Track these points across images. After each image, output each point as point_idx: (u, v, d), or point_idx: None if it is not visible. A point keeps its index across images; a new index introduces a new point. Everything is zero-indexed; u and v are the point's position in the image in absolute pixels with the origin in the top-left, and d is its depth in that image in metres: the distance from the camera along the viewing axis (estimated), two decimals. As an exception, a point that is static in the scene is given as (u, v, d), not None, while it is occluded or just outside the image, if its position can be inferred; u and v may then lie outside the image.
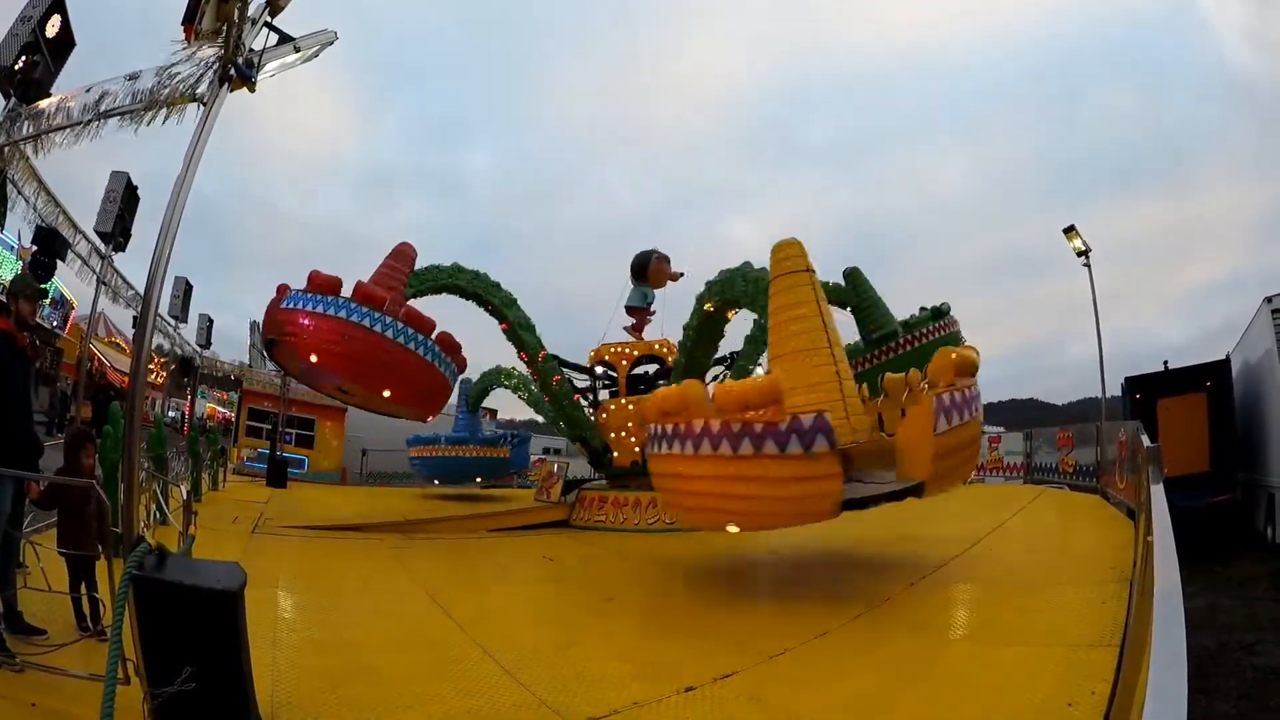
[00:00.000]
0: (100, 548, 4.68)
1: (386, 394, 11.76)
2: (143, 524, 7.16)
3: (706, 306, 12.67)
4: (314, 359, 10.93)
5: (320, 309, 10.53)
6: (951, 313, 16.33)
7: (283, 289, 11.14)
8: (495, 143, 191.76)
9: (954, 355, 7.17)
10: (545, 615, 6.69)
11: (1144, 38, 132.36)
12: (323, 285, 10.76)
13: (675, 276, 16.94)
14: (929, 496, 6.67)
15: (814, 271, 8.40)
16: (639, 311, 16.89)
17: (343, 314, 10.49)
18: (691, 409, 6.26)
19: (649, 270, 16.72)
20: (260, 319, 14.98)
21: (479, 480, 22.05)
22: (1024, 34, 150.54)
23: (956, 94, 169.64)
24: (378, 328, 10.57)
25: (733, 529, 6.98)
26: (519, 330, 14.90)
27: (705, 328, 13.16)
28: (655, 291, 16.95)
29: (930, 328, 15.76)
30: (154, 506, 7.95)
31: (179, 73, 4.51)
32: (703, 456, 5.95)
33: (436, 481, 22.07)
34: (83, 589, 4.74)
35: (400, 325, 10.82)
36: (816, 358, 7.82)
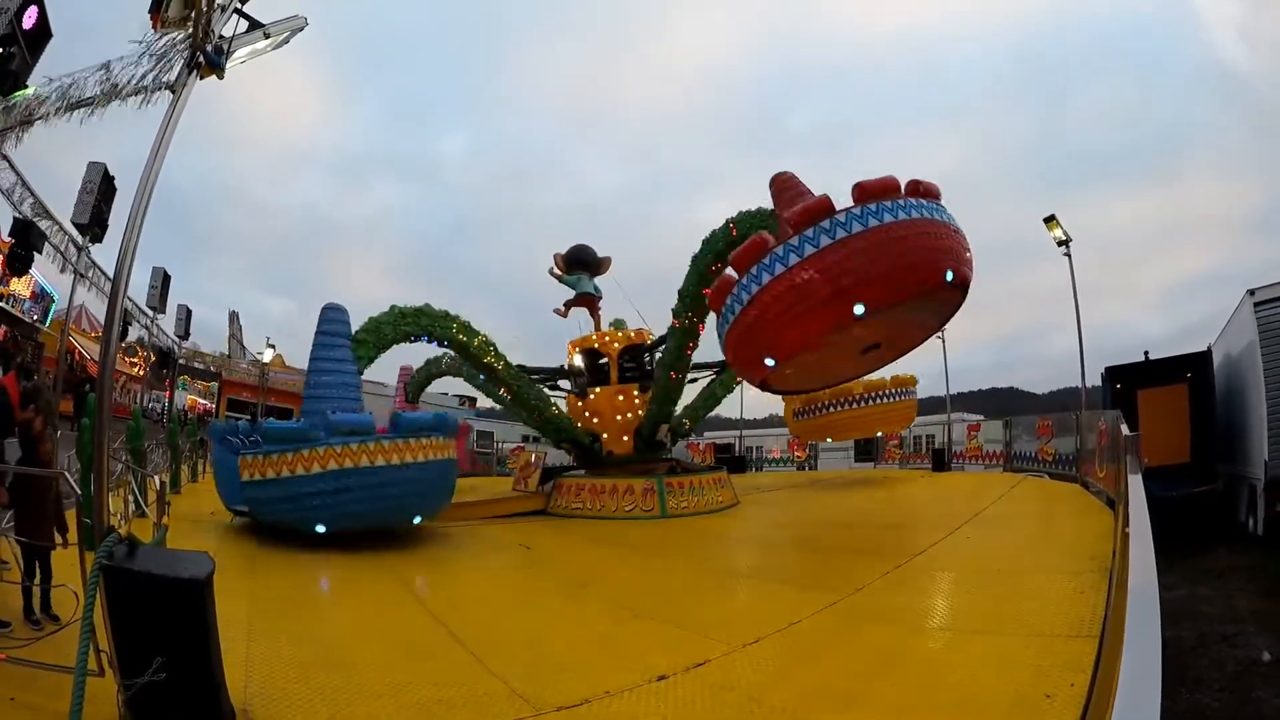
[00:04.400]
0: (59, 536, 4.70)
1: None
2: (119, 516, 7.16)
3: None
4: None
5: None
6: None
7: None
8: (471, 126, 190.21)
9: None
10: (519, 603, 6.70)
11: (1135, 31, 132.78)
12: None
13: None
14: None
15: None
16: (593, 299, 18.36)
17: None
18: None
19: (602, 266, 18.75)
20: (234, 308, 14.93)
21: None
22: (1011, 23, 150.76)
23: (943, 82, 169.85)
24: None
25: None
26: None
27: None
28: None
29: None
30: (130, 498, 7.90)
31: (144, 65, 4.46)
32: None
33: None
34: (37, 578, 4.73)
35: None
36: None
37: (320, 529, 9.15)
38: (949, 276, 8.00)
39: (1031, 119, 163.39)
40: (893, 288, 7.88)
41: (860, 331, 8.84)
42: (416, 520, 10.25)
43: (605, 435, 15.84)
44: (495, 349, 14.16)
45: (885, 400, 19.05)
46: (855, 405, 18.98)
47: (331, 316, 11.12)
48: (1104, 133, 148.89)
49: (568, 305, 18.32)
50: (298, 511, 9.17)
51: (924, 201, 8.31)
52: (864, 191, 8.19)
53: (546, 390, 17.16)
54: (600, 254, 18.87)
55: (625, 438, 15.40)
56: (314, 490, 8.98)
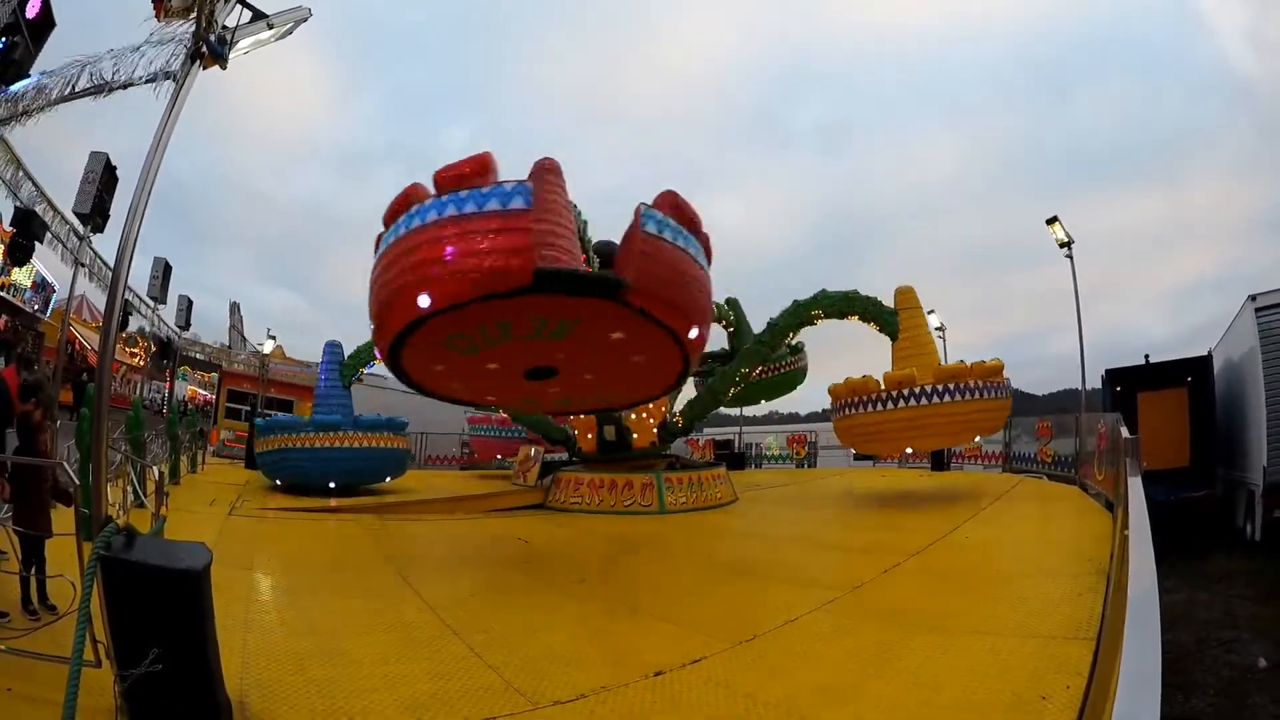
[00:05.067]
0: (67, 505, 4.72)
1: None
2: (117, 506, 7.18)
3: (815, 312, 13.66)
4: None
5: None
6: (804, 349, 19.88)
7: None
8: (475, 119, 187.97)
9: None
10: (516, 597, 6.68)
11: (1139, 33, 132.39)
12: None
13: None
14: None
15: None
16: None
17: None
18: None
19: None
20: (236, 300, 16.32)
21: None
22: (1015, 25, 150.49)
23: (946, 82, 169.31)
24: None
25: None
26: None
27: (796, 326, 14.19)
28: None
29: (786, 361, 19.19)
30: (129, 489, 7.91)
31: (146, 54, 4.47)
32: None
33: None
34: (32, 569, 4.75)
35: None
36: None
37: (278, 482, 14.65)
38: (422, 302, 5.82)
39: (1033, 121, 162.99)
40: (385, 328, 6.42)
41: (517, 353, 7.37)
42: (331, 485, 14.00)
43: (576, 432, 16.03)
44: None
45: (935, 400, 11.43)
46: (882, 406, 11.91)
47: (329, 350, 16.16)
48: (1108, 134, 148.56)
49: None
50: (272, 469, 14.79)
51: (446, 197, 5.85)
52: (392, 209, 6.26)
53: None
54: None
55: (590, 435, 15.50)
56: (273, 459, 14.50)
